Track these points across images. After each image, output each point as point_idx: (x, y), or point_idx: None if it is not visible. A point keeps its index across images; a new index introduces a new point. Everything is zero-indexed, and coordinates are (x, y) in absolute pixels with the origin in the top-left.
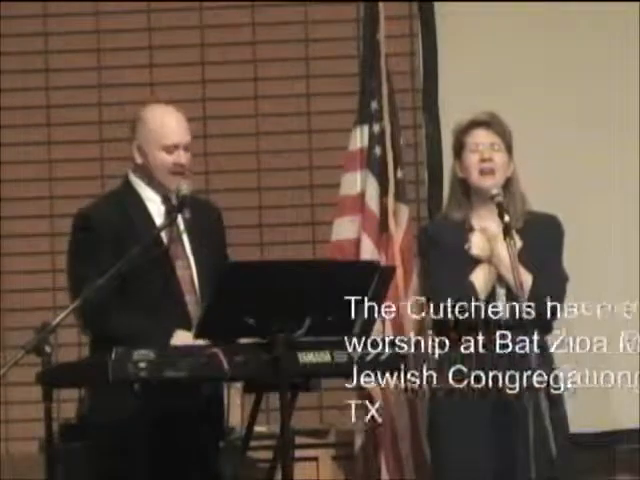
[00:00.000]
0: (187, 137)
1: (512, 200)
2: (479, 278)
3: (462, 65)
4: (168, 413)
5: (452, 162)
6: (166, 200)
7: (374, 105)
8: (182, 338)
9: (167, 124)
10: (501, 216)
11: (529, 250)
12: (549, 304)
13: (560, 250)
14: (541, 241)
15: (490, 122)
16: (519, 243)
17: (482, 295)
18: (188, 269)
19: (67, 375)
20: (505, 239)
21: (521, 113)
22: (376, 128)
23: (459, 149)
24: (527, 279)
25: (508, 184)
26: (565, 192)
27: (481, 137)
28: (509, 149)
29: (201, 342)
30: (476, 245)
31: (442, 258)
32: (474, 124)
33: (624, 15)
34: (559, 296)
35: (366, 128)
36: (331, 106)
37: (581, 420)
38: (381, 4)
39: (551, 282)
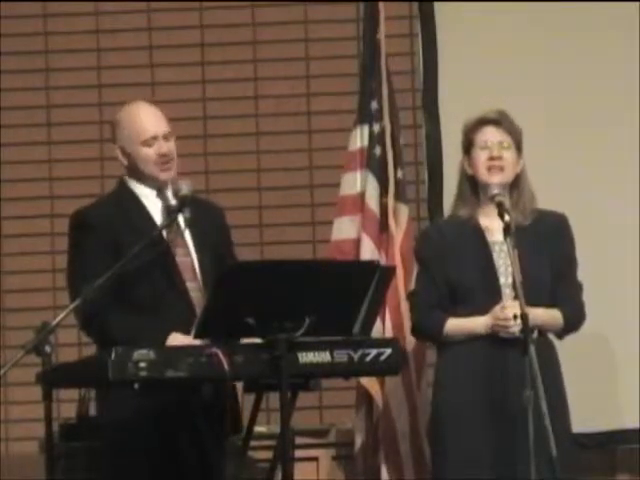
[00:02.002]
0: (163, 127)
1: (521, 198)
2: (456, 325)
3: (462, 65)
4: (169, 413)
5: (461, 159)
6: (161, 194)
7: (374, 105)
8: (177, 340)
9: (140, 119)
10: (501, 216)
11: (540, 249)
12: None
13: (575, 257)
14: (555, 243)
15: (499, 120)
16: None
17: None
18: (188, 256)
19: (67, 375)
20: (505, 239)
21: (521, 113)
22: (376, 128)
23: (468, 146)
24: (554, 316)
25: (517, 181)
26: (566, 192)
27: (490, 135)
28: (518, 147)
29: (197, 342)
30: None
31: (430, 276)
32: (484, 122)
33: (624, 15)
34: (583, 317)
35: (366, 128)
36: (331, 106)
37: (581, 420)
38: (381, 4)
39: (577, 308)
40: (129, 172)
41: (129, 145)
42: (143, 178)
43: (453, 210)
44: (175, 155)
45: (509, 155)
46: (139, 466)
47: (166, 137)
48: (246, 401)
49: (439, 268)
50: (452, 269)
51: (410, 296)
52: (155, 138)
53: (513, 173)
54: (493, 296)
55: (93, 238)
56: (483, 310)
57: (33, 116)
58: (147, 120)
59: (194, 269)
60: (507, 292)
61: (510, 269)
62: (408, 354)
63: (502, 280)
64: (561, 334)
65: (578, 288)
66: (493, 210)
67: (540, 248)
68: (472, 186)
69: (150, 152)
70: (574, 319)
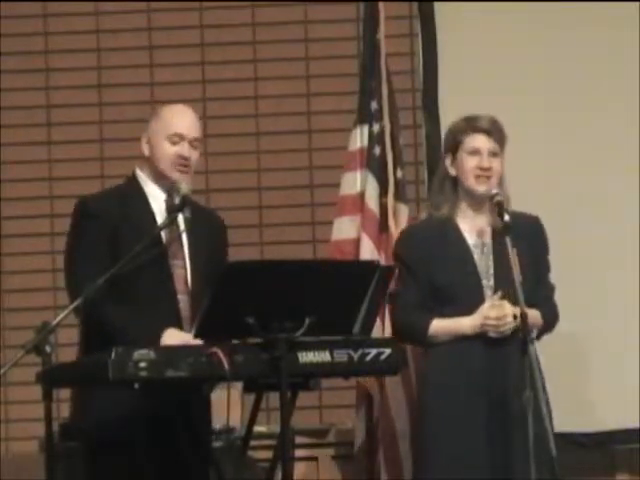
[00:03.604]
0: (195, 132)
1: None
2: (442, 326)
3: (462, 65)
4: (169, 412)
5: (442, 159)
6: (170, 198)
7: (374, 105)
8: (174, 336)
9: (176, 116)
10: (501, 216)
11: (520, 252)
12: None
13: (548, 259)
14: (531, 245)
15: (491, 130)
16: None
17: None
18: (183, 269)
19: (67, 375)
20: (505, 238)
21: (521, 113)
22: (376, 128)
23: (454, 147)
24: (535, 316)
25: (498, 185)
26: (565, 192)
27: (481, 142)
28: (503, 151)
29: (194, 341)
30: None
31: (414, 277)
32: (475, 129)
33: (624, 15)
34: (558, 317)
35: (366, 128)
36: (331, 106)
37: (581, 420)
38: (381, 4)
39: (553, 309)
40: (145, 165)
41: (155, 136)
42: (156, 175)
43: (432, 209)
44: (193, 166)
45: (497, 163)
46: (138, 466)
47: (193, 144)
48: (246, 401)
49: (423, 269)
50: (435, 270)
51: (391, 297)
52: (181, 137)
53: (497, 181)
54: (476, 297)
55: (94, 230)
56: (466, 311)
57: (33, 116)
58: (181, 118)
59: (187, 282)
60: (489, 294)
61: (491, 271)
62: (408, 354)
63: (484, 282)
64: (538, 334)
65: (552, 290)
66: (473, 212)
67: (519, 251)
68: (452, 186)
69: (171, 149)
70: (551, 320)
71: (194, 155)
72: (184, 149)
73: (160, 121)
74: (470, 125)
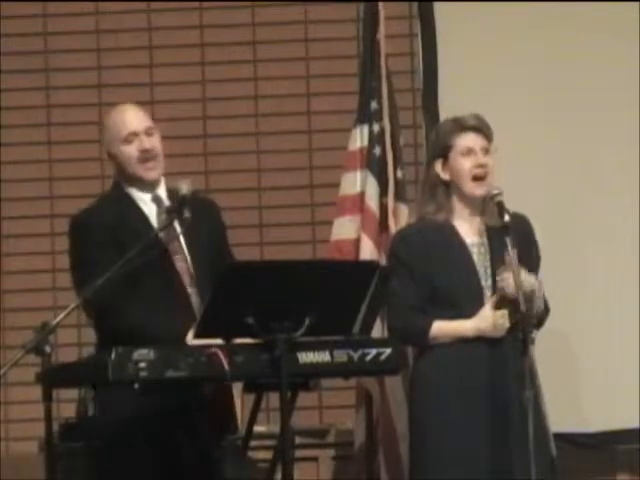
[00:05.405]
0: (144, 123)
1: (489, 200)
2: (443, 329)
3: (462, 65)
4: (169, 412)
5: (432, 163)
6: (156, 198)
7: (374, 105)
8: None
9: (119, 118)
10: (501, 216)
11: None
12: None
13: (535, 258)
14: (521, 244)
15: (480, 127)
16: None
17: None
18: (185, 262)
19: (67, 375)
20: (506, 239)
21: (521, 112)
22: (376, 128)
23: (445, 150)
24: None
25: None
26: (564, 191)
27: (472, 141)
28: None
29: (217, 341)
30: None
31: (413, 278)
32: (465, 128)
33: (624, 15)
34: (548, 312)
35: (366, 128)
36: (331, 106)
37: (581, 420)
38: (381, 4)
39: (546, 305)
40: (120, 175)
41: (113, 146)
42: (133, 180)
43: (424, 213)
44: (160, 152)
45: (491, 161)
46: (138, 466)
47: (148, 133)
48: (246, 401)
49: (422, 270)
50: (434, 270)
51: (389, 297)
52: (135, 134)
53: (492, 178)
54: (476, 299)
55: (95, 237)
56: (466, 313)
57: (33, 116)
58: (126, 118)
59: (191, 274)
60: (487, 295)
61: (489, 271)
62: (408, 354)
63: (482, 283)
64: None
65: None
66: (468, 215)
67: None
68: (445, 191)
69: (131, 149)
70: (544, 315)
71: (155, 142)
72: (143, 142)
73: (110, 130)
74: (458, 125)
